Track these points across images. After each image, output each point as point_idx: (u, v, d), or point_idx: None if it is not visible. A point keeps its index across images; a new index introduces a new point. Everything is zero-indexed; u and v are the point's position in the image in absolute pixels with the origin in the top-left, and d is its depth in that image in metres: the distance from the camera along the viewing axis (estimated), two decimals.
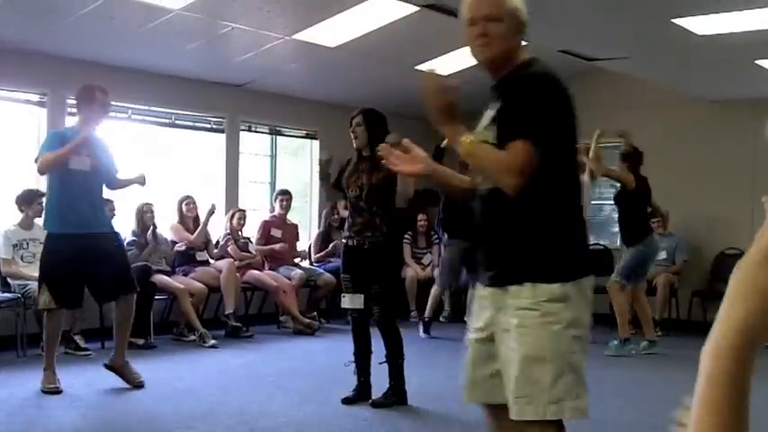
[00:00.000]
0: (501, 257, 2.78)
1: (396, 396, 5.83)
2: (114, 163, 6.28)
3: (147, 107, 9.21)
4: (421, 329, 9.43)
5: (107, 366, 6.29)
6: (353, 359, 5.96)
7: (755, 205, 9.97)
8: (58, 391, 6.01)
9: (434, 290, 9.60)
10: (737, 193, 10.17)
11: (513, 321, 2.68)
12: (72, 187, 5.99)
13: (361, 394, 5.90)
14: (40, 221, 7.97)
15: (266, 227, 10.00)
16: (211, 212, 9.01)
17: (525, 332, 2.65)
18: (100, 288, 6.27)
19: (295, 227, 10.32)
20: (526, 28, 2.91)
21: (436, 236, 10.97)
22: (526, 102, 2.72)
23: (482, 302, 2.84)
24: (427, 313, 9.54)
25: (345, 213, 6.28)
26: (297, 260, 10.16)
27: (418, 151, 3.01)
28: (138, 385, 6.23)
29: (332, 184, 6.00)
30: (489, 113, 2.89)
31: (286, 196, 10.05)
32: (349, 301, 5.89)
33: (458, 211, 8.73)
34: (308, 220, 11.09)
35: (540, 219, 2.71)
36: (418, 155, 2.99)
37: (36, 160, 6.00)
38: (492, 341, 2.80)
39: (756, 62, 8.49)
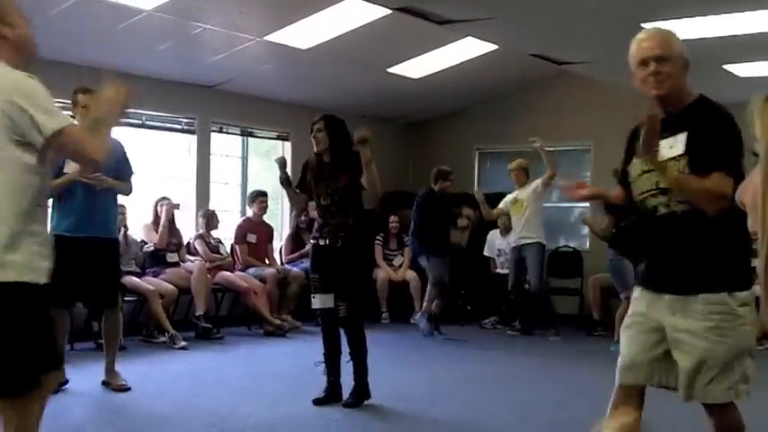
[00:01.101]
0: (697, 269, 3.21)
1: (362, 392, 5.86)
2: (127, 167, 6.20)
3: None
4: (423, 325, 9.55)
5: (104, 383, 6.26)
6: (323, 359, 5.98)
7: None
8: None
9: (430, 290, 9.65)
10: None
11: (707, 324, 3.15)
12: (71, 190, 5.94)
13: (331, 394, 5.92)
14: None
15: (242, 230, 9.97)
16: (172, 210, 8.99)
17: (724, 333, 3.14)
18: (88, 297, 6.26)
19: (270, 228, 10.30)
20: (689, 67, 3.40)
21: (407, 238, 10.99)
22: (722, 136, 3.20)
23: (655, 304, 3.28)
24: (426, 308, 9.63)
25: (314, 214, 6.29)
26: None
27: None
28: (119, 389, 6.20)
29: (295, 187, 6.04)
30: (670, 142, 3.29)
31: (263, 197, 10.03)
32: (319, 301, 5.91)
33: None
34: (279, 222, 11.07)
35: (731, 237, 3.17)
36: (584, 184, 3.97)
37: None
38: (656, 332, 3.27)
39: (724, 67, 8.59)
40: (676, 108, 3.35)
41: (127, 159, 6.23)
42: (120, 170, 6.09)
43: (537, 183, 9.71)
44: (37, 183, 3.07)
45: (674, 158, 3.24)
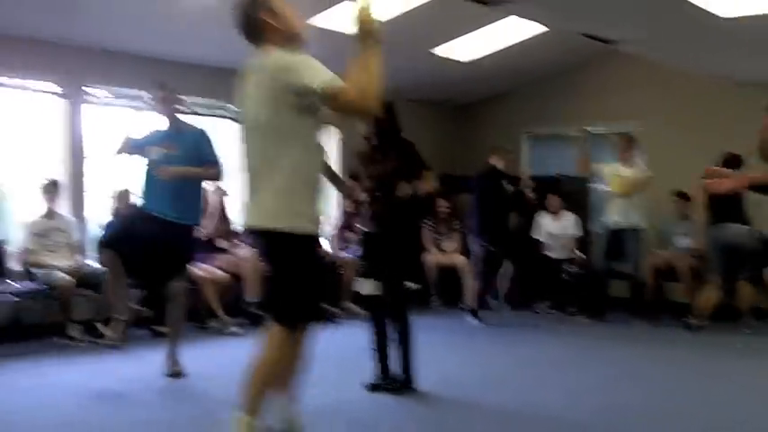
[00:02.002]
0: None
1: (407, 380, 5.87)
2: (206, 153, 6.33)
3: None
4: (470, 318, 9.46)
5: (169, 375, 6.35)
6: (373, 346, 5.99)
7: None
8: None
9: (471, 283, 9.59)
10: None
11: None
12: (149, 175, 6.24)
13: (381, 380, 5.93)
14: (62, 211, 8.08)
15: None
16: (221, 197, 9.05)
17: None
18: (153, 271, 6.35)
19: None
20: None
21: (456, 222, 10.97)
22: None
23: None
24: (470, 303, 9.56)
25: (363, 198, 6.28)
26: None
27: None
28: (175, 374, 6.32)
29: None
30: None
31: None
32: (366, 288, 5.92)
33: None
34: (330, 208, 11.09)
35: None
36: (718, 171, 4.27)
37: None
38: None
39: None
40: None
41: (207, 146, 6.36)
42: (200, 158, 6.26)
43: (644, 170, 9.42)
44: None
45: None
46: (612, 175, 9.44)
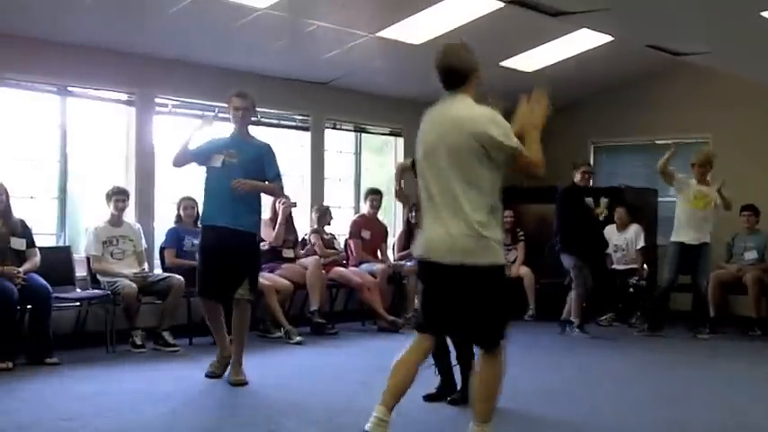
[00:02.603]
0: None
1: (467, 392, 5.79)
2: (271, 165, 6.45)
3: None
4: (576, 331, 9.35)
5: (231, 383, 6.36)
6: (432, 360, 5.95)
7: None
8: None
9: (573, 294, 9.45)
10: None
11: None
12: (208, 183, 6.40)
13: (443, 391, 5.88)
14: (128, 219, 8.18)
15: (357, 226, 10.04)
16: (290, 208, 9.08)
17: None
18: (223, 280, 6.40)
19: (384, 227, 10.35)
20: None
21: (521, 233, 10.89)
22: None
23: None
24: (574, 317, 9.42)
25: None
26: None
27: None
28: (237, 383, 6.31)
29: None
30: None
31: (376, 196, 10.08)
32: None
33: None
34: (392, 218, 11.10)
35: None
36: None
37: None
38: None
39: None
40: None
41: (271, 161, 6.47)
42: (261, 170, 6.37)
43: (714, 194, 9.24)
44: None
45: None
46: (694, 190, 9.27)
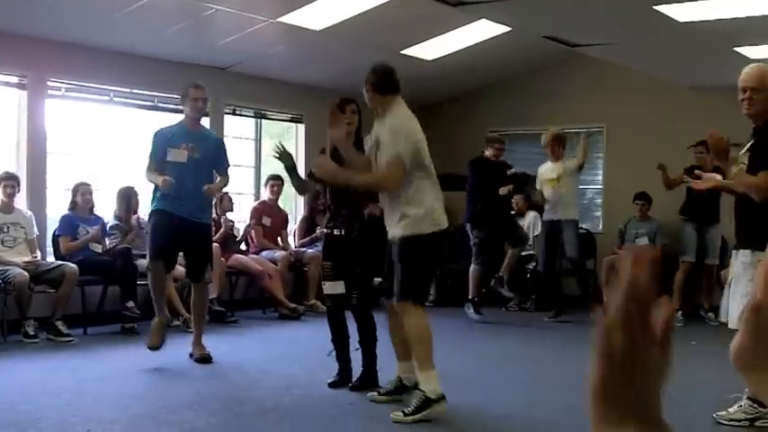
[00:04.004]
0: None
1: (369, 379, 5.84)
2: (223, 159, 6.85)
3: (129, 90, 9.13)
4: (471, 311, 9.42)
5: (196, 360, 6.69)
6: (333, 347, 5.98)
7: None
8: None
9: (472, 270, 9.53)
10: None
11: None
12: (168, 175, 6.45)
13: (343, 378, 5.91)
14: (19, 205, 7.95)
15: (257, 213, 9.95)
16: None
17: None
18: (187, 265, 6.94)
19: (285, 213, 10.29)
20: None
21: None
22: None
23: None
24: (471, 294, 9.50)
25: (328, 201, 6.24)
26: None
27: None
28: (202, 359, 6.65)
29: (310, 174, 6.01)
30: (747, 144, 4.94)
31: (277, 182, 9.97)
32: (330, 288, 5.91)
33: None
34: (293, 205, 11.05)
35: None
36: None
37: (148, 168, 6.62)
38: None
39: (735, 49, 8.51)
40: (758, 124, 4.90)
41: (225, 153, 6.90)
42: (216, 163, 6.75)
43: (569, 164, 9.44)
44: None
45: (743, 154, 4.83)
46: (548, 171, 9.54)
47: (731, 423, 4.99)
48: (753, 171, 4.75)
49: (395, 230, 5.12)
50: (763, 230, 4.57)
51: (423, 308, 5.23)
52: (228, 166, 6.90)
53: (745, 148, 4.90)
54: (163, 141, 6.59)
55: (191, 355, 6.74)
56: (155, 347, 6.60)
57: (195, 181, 6.44)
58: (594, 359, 0.87)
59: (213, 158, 6.70)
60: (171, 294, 8.38)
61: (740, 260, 4.87)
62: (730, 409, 5.02)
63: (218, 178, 6.81)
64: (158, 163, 6.54)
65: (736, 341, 1.04)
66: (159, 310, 6.68)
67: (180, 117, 6.72)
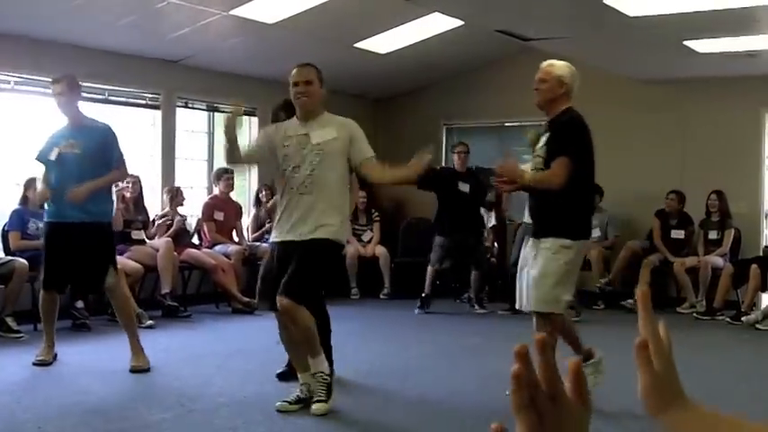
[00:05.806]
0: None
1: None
2: (111, 150, 6.19)
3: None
4: (417, 306, 9.50)
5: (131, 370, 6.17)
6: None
7: (684, 181, 10.22)
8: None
9: (428, 270, 9.63)
10: (667, 169, 10.40)
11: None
12: (49, 178, 6.11)
13: (291, 369, 5.87)
14: None
15: (209, 209, 9.87)
16: (122, 192, 8.85)
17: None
18: (78, 279, 6.39)
19: (238, 207, 10.23)
20: (570, 89, 5.41)
21: (375, 213, 11.00)
22: (564, 136, 5.12)
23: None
24: (426, 290, 9.58)
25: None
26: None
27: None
28: (138, 369, 6.16)
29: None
30: (543, 139, 5.20)
31: (230, 175, 9.91)
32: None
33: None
34: (246, 199, 11.00)
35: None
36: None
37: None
38: None
39: (684, 43, 8.62)
40: (551, 115, 5.28)
41: (113, 146, 6.21)
42: (105, 156, 6.13)
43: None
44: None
45: (540, 148, 5.12)
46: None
47: None
48: (550, 163, 5.03)
49: (314, 231, 5.13)
50: (564, 219, 5.04)
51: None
52: (119, 157, 6.22)
53: (542, 143, 5.17)
54: (51, 139, 6.22)
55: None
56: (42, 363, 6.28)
57: (80, 179, 5.98)
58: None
59: (97, 152, 6.08)
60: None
61: (542, 246, 5.12)
62: None
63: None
64: (45, 164, 6.16)
65: (640, 383, 1.04)
66: (47, 337, 6.34)
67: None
